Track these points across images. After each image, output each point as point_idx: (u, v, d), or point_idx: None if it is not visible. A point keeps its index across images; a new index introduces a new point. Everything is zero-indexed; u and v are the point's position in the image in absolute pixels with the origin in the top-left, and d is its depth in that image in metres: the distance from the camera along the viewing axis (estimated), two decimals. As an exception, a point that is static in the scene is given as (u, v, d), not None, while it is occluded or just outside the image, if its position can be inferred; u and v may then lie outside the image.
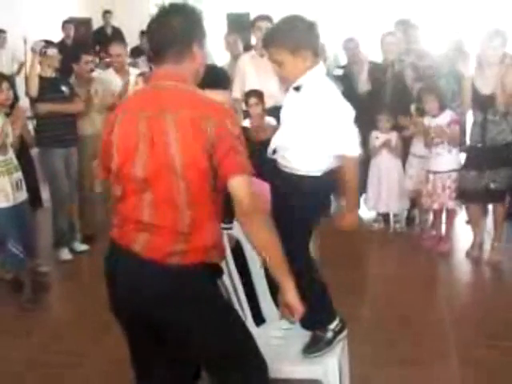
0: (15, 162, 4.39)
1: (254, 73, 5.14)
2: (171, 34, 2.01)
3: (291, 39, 2.49)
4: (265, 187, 2.72)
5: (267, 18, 4.96)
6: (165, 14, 2.06)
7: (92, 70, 5.59)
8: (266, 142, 2.73)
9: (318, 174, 2.58)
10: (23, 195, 4.41)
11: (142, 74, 5.71)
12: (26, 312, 4.24)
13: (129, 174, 2.00)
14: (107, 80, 5.69)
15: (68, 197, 5.28)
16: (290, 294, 2.10)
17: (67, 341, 3.83)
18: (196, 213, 1.97)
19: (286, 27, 2.54)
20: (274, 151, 2.67)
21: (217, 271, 2.18)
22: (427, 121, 4.99)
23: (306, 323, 2.69)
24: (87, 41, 6.60)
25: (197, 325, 2.02)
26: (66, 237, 5.31)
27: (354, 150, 2.55)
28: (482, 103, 4.62)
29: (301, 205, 2.57)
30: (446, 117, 4.94)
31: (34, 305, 4.33)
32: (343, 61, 6.36)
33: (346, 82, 5.39)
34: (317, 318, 2.69)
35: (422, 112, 5.08)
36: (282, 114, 2.69)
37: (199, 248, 2.00)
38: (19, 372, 3.52)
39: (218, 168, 1.93)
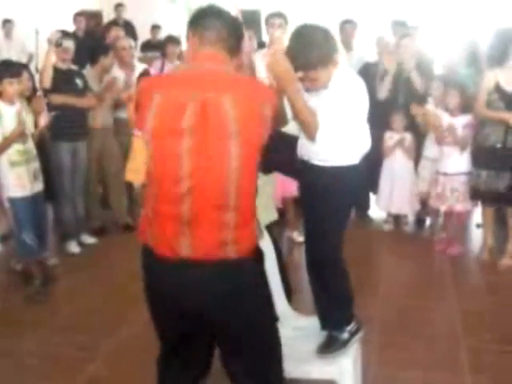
0: (34, 152, 4.38)
1: (264, 71, 5.11)
2: (228, 23, 2.11)
3: (322, 55, 2.55)
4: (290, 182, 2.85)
5: (280, 15, 4.93)
6: (221, 13, 2.15)
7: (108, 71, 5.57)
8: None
9: (353, 162, 2.66)
10: (39, 186, 4.40)
11: (145, 73, 5.64)
12: (34, 304, 4.22)
13: (169, 165, 1.97)
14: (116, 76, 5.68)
15: (74, 190, 5.27)
16: None
17: (76, 333, 3.82)
18: (244, 200, 1.99)
19: (311, 46, 2.56)
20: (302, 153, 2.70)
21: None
22: (446, 117, 4.96)
23: (326, 322, 2.71)
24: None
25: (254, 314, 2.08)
26: (72, 229, 5.30)
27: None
28: (507, 103, 4.57)
29: (342, 195, 2.66)
30: (464, 119, 4.90)
31: (43, 296, 4.32)
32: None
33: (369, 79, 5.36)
34: (338, 317, 2.71)
35: (443, 109, 5.04)
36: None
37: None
38: (27, 364, 3.51)
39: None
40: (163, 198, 1.98)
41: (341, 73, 2.64)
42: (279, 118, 2.22)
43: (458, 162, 4.95)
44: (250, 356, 2.12)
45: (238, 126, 1.91)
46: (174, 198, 1.95)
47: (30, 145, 4.34)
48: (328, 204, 2.63)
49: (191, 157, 1.92)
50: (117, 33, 6.37)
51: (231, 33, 2.12)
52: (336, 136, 2.57)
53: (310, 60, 2.53)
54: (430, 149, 5.28)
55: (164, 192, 1.98)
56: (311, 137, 2.55)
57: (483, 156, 4.79)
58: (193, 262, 1.96)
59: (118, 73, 5.73)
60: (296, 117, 2.53)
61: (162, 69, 6.25)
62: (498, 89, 4.63)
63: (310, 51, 2.54)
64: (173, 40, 6.85)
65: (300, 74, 2.51)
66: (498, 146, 4.66)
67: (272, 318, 2.19)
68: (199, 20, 2.12)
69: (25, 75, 4.65)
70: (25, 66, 4.85)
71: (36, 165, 4.37)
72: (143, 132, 2.02)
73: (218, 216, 1.94)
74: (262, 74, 5.14)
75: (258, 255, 2.08)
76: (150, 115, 1.98)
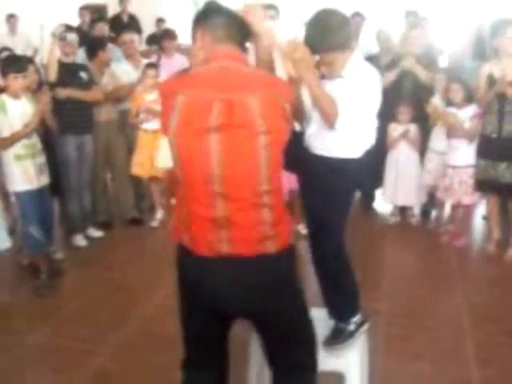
0: (39, 145, 4.38)
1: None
2: (234, 20, 2.13)
3: (339, 38, 2.55)
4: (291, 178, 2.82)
5: (272, 7, 4.90)
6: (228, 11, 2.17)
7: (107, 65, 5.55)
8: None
9: (357, 156, 2.65)
10: (45, 179, 4.41)
11: (151, 65, 5.63)
12: (41, 297, 4.24)
13: (198, 166, 1.96)
14: (119, 73, 5.67)
15: (81, 184, 5.27)
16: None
17: (82, 327, 3.83)
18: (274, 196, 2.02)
19: (328, 28, 2.56)
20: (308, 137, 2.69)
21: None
22: (452, 111, 4.93)
23: (334, 311, 2.71)
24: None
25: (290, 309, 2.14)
26: (79, 223, 5.31)
27: None
28: (500, 94, 4.56)
29: (343, 187, 2.67)
30: (471, 110, 4.87)
31: (50, 290, 4.33)
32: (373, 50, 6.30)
33: None
34: (344, 308, 2.71)
35: (447, 102, 5.02)
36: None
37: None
38: (34, 356, 3.53)
39: None
40: (197, 199, 1.99)
41: (357, 62, 2.63)
42: (297, 112, 2.24)
43: (466, 154, 4.93)
44: (289, 343, 2.18)
45: (266, 124, 1.93)
46: (208, 200, 1.97)
47: (36, 139, 4.35)
48: (327, 194, 2.63)
49: (221, 157, 1.93)
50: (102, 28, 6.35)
51: (239, 29, 2.12)
52: (344, 127, 2.56)
53: (327, 42, 2.53)
54: (437, 141, 5.25)
55: (197, 194, 1.99)
56: (331, 124, 2.53)
57: (481, 146, 4.81)
58: (233, 259, 2.00)
59: (126, 67, 5.75)
60: (315, 104, 2.53)
61: (158, 63, 6.23)
62: (492, 80, 4.62)
63: (327, 34, 2.54)
64: (170, 34, 6.81)
65: (316, 57, 2.51)
66: (494, 135, 4.65)
67: (306, 309, 2.24)
68: (207, 19, 2.11)
69: (30, 69, 4.64)
70: (30, 60, 4.83)
71: (42, 159, 4.38)
72: (167, 135, 2.00)
73: (254, 214, 1.97)
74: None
75: (292, 250, 2.10)
76: (174, 116, 1.96)
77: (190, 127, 1.94)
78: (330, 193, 2.63)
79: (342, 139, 2.59)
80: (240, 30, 2.12)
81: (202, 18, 2.12)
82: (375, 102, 2.66)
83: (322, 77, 2.64)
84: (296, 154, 2.70)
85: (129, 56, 5.83)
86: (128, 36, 5.96)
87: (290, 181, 4.99)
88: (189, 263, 2.09)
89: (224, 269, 2.01)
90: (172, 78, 2.17)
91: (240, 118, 1.92)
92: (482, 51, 5.57)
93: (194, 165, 1.96)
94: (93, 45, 5.61)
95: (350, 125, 2.56)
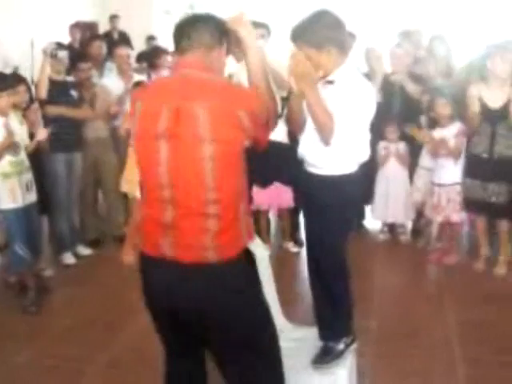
0: (27, 163, 4.37)
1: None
2: (205, 27, 2.13)
3: (316, 35, 2.53)
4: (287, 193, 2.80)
5: (262, 25, 4.94)
6: (200, 20, 2.18)
7: (89, 78, 5.53)
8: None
9: (351, 171, 2.62)
10: (32, 197, 4.39)
11: (140, 84, 5.61)
12: (29, 316, 4.21)
13: (150, 172, 2.03)
14: (108, 87, 5.70)
15: (70, 201, 5.26)
16: None
17: (71, 346, 3.80)
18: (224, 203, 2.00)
19: (312, 22, 2.56)
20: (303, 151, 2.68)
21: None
22: (437, 132, 4.98)
23: (327, 332, 2.70)
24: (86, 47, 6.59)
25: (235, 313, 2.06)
26: (68, 241, 5.28)
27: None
28: (491, 117, 4.61)
29: (341, 205, 2.62)
30: (454, 128, 4.92)
31: (38, 308, 4.30)
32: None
33: None
34: (339, 328, 2.70)
35: (432, 122, 5.06)
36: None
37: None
38: (21, 376, 3.49)
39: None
40: (150, 203, 2.07)
41: (349, 70, 2.60)
42: (271, 122, 2.18)
43: (452, 172, 4.97)
44: (234, 363, 2.14)
45: (212, 133, 1.93)
46: (158, 204, 2.02)
47: (23, 156, 4.34)
48: (326, 215, 2.60)
49: (169, 164, 1.98)
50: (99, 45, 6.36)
51: (206, 31, 2.12)
52: (337, 140, 2.51)
53: (316, 36, 2.52)
54: (426, 158, 5.29)
55: (150, 197, 2.06)
56: (326, 141, 2.50)
57: (470, 165, 4.83)
58: (175, 263, 2.02)
59: (117, 83, 5.76)
60: (313, 119, 2.50)
61: (148, 81, 6.25)
62: (481, 103, 4.65)
63: (318, 28, 2.53)
64: (160, 51, 6.85)
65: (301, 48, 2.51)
66: (485, 156, 4.69)
67: (261, 328, 2.13)
68: (175, 33, 2.17)
69: (21, 87, 4.65)
70: (21, 79, 4.82)
71: (29, 176, 4.37)
72: (132, 142, 2.10)
73: (198, 221, 1.98)
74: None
75: (245, 259, 2.05)
76: (134, 123, 2.07)
77: (144, 134, 2.03)
78: (326, 210, 2.59)
79: (334, 155, 2.56)
80: (207, 31, 2.13)
81: (173, 36, 2.19)
82: (368, 111, 2.61)
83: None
84: (288, 171, 2.71)
85: (122, 71, 5.86)
86: (124, 50, 6.06)
87: (279, 199, 5.02)
88: (142, 264, 2.16)
89: (166, 270, 2.06)
90: (140, 87, 2.23)
91: (185, 126, 1.95)
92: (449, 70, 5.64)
93: (148, 170, 2.05)
94: (74, 58, 5.59)
95: (344, 137, 2.51)
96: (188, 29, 2.13)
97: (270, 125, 2.13)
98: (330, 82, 2.56)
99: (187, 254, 2.00)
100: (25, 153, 4.38)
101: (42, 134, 4.64)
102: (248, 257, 2.09)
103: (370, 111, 2.61)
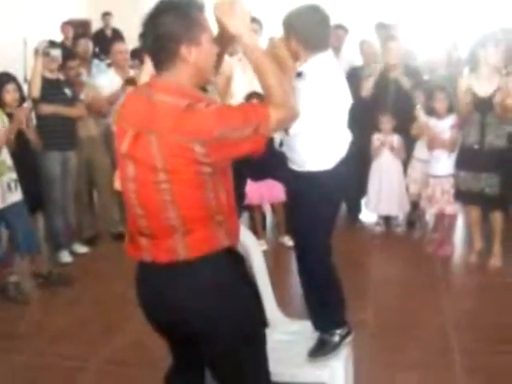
0: (8, 162, 4.36)
1: (242, 75, 5.18)
2: (157, 41, 1.92)
3: (289, 26, 2.59)
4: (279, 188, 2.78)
5: (254, 20, 4.95)
6: (155, 14, 1.93)
7: (78, 75, 5.53)
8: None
9: (330, 167, 2.61)
10: (15, 197, 4.38)
11: (130, 82, 5.56)
12: (26, 314, 4.21)
13: (124, 183, 2.05)
14: (98, 85, 5.71)
15: (65, 200, 5.26)
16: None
17: (68, 344, 3.80)
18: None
19: (295, 14, 2.61)
20: (281, 143, 2.69)
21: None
22: (433, 122, 4.99)
23: (318, 322, 2.71)
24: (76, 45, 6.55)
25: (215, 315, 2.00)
26: (64, 239, 5.29)
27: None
28: (481, 106, 4.62)
29: (319, 202, 2.61)
30: (450, 120, 4.93)
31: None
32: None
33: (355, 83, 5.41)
34: (329, 320, 2.72)
35: (430, 111, 5.07)
36: None
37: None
38: (20, 375, 3.50)
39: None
40: (130, 212, 2.07)
41: (318, 61, 2.60)
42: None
43: (447, 164, 4.98)
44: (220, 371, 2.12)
45: (163, 162, 1.87)
46: (134, 212, 2.03)
47: (4, 156, 4.32)
48: (308, 210, 2.62)
49: (135, 182, 1.97)
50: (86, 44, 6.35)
51: (168, 30, 1.89)
52: (312, 137, 2.52)
53: (286, 18, 2.58)
54: (421, 150, 5.31)
55: (127, 204, 2.06)
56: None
57: (462, 156, 4.84)
58: (153, 267, 2.02)
59: (114, 78, 5.77)
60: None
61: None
62: (471, 93, 4.66)
63: (292, 13, 2.60)
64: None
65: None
66: (476, 147, 4.70)
67: (244, 320, 2.03)
68: (141, 38, 2.00)
69: (10, 86, 4.63)
70: (11, 77, 4.76)
71: (11, 176, 4.35)
72: None
73: (169, 232, 1.95)
74: (238, 80, 5.21)
75: (214, 258, 1.97)
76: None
77: (117, 149, 2.03)
78: (308, 206, 2.62)
79: (311, 152, 2.58)
80: (176, 38, 1.89)
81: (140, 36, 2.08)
82: (341, 104, 2.61)
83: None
84: (277, 167, 2.72)
85: (119, 67, 5.87)
86: (121, 46, 6.09)
87: (271, 194, 5.05)
88: (135, 269, 2.14)
89: (147, 275, 2.07)
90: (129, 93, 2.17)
91: (140, 153, 1.92)
92: (456, 61, 5.67)
93: (123, 181, 2.04)
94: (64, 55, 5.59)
95: (318, 132, 2.52)
96: (145, 40, 1.95)
97: (265, 132, 1.91)
98: (299, 75, 2.56)
99: (161, 254, 1.98)
100: (8, 152, 4.36)
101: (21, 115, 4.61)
102: (231, 257, 2.04)
103: (342, 104, 2.62)
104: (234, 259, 2.07)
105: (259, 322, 2.15)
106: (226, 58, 3.85)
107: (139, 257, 2.06)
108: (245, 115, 1.89)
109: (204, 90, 2.14)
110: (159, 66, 1.96)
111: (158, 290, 2.02)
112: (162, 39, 1.90)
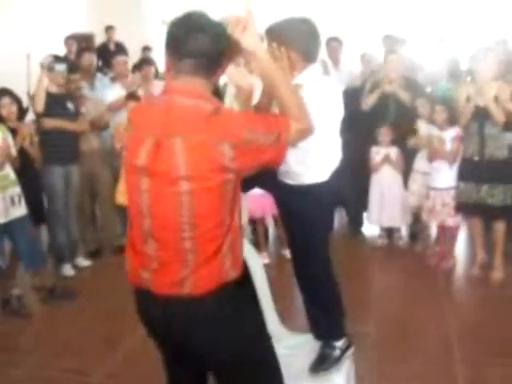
0: (12, 177, 4.37)
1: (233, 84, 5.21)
2: (211, 45, 1.90)
3: (286, 37, 2.55)
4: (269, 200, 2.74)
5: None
6: (210, 24, 1.93)
7: (79, 89, 5.56)
8: None
9: (325, 178, 2.61)
10: (20, 211, 4.39)
11: (132, 97, 5.61)
12: (27, 327, 4.21)
13: (132, 198, 1.98)
14: (105, 100, 5.77)
15: (68, 213, 5.28)
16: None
17: (69, 358, 3.80)
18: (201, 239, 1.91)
19: (286, 24, 2.59)
20: None
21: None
22: (436, 131, 5.00)
23: (317, 333, 2.71)
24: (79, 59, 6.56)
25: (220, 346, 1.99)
26: (67, 253, 5.31)
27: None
28: (479, 116, 4.63)
29: (315, 214, 2.60)
30: (453, 132, 4.93)
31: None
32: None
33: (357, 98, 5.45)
34: (328, 330, 2.71)
35: (433, 122, 5.07)
36: None
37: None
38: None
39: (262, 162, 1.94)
40: (136, 232, 2.00)
41: (314, 73, 2.61)
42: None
43: (447, 176, 4.98)
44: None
45: (187, 169, 1.82)
46: (141, 233, 1.97)
47: (8, 170, 4.34)
48: (305, 224, 2.61)
49: (148, 197, 1.91)
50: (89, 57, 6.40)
51: (209, 52, 1.91)
52: (309, 149, 2.49)
53: (275, 29, 2.55)
54: (421, 162, 5.31)
55: (135, 224, 2.00)
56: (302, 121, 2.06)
57: (463, 168, 4.84)
58: (152, 295, 1.99)
59: (120, 91, 5.83)
60: (274, 90, 2.10)
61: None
62: (469, 101, 4.69)
63: (282, 24, 2.56)
64: (147, 61, 6.86)
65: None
66: (476, 158, 4.71)
67: (255, 344, 2.06)
68: (173, 44, 1.93)
69: (5, 100, 4.63)
70: (6, 91, 4.73)
71: (15, 190, 4.36)
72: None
73: (178, 257, 1.92)
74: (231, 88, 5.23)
75: (221, 292, 1.95)
76: (126, 143, 2.02)
77: (129, 162, 1.97)
78: (304, 219, 2.60)
79: (307, 164, 2.56)
80: (210, 53, 1.90)
81: (169, 43, 1.96)
82: (335, 115, 2.60)
83: None
84: (270, 178, 2.70)
85: (121, 78, 5.98)
86: (122, 58, 6.29)
87: (274, 205, 5.04)
88: (134, 295, 2.13)
89: (147, 303, 2.04)
90: (137, 105, 2.11)
91: (162, 163, 1.85)
92: (456, 74, 5.71)
93: (131, 196, 1.98)
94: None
95: (313, 143, 2.45)
96: (184, 46, 1.89)
97: (287, 141, 1.94)
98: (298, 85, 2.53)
99: (165, 287, 1.95)
100: (11, 167, 4.38)
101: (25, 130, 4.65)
102: (235, 285, 2.01)
103: (337, 115, 2.61)
104: (238, 284, 2.01)
105: (266, 340, 2.14)
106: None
107: (138, 285, 2.04)
108: (268, 122, 1.94)
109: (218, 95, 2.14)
110: (187, 69, 1.91)
111: (156, 316, 2.02)
112: (215, 46, 1.91)
